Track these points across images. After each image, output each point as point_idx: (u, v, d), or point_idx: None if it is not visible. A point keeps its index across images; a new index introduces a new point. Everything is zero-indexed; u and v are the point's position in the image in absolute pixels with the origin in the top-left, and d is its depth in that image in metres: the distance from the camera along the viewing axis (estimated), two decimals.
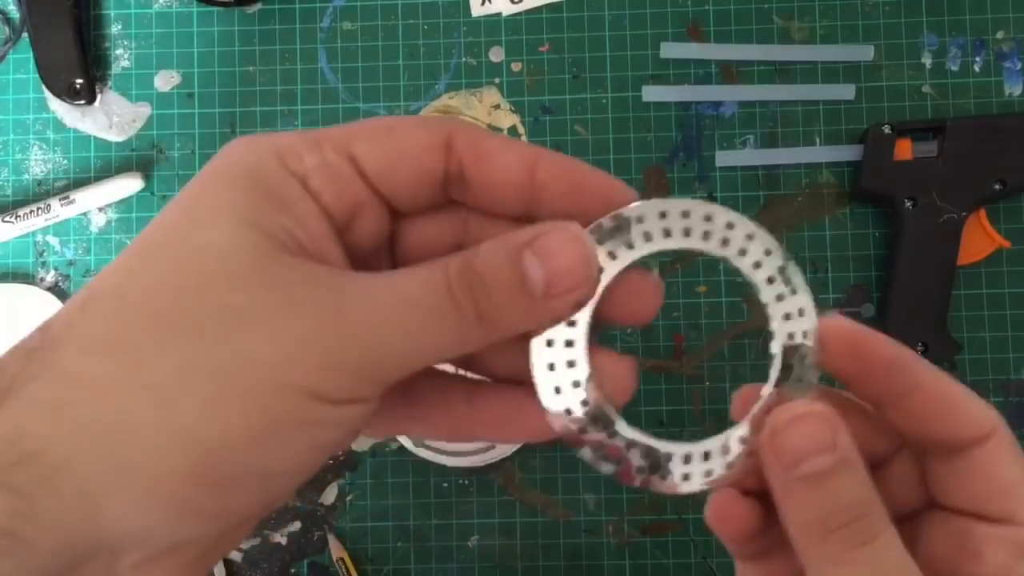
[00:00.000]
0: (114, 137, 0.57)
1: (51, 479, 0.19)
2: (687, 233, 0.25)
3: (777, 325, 0.25)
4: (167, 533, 0.20)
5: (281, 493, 0.22)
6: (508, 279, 0.22)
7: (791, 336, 0.25)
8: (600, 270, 0.25)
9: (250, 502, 0.21)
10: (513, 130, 0.56)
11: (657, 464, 0.25)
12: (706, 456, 0.26)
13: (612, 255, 0.25)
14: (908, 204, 0.52)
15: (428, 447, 0.51)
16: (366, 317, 0.21)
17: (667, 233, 0.25)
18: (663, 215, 0.25)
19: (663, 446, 0.25)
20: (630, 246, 0.25)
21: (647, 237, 0.25)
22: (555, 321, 0.24)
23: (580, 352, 0.25)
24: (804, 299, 0.25)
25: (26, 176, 0.57)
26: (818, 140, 0.55)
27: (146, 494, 0.19)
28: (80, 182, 0.56)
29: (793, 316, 0.25)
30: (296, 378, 0.20)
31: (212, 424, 0.19)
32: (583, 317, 0.25)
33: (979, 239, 0.52)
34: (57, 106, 0.57)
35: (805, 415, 0.23)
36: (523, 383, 0.24)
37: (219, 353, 0.20)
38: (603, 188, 0.24)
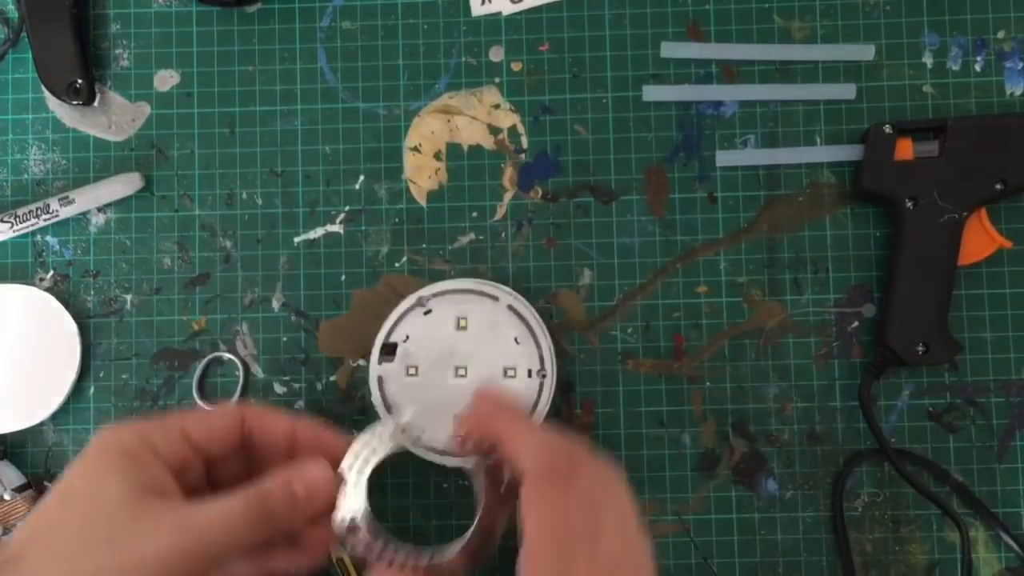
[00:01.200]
0: (113, 137, 0.57)
1: None
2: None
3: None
4: None
5: None
6: (283, 493, 0.40)
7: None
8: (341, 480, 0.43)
9: None
10: (513, 130, 0.56)
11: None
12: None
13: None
14: (909, 204, 0.52)
15: (424, 446, 0.51)
16: (198, 524, 0.37)
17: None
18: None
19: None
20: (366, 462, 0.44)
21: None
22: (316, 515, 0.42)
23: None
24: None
25: (25, 176, 0.57)
26: (819, 140, 0.55)
27: None
28: (79, 182, 0.56)
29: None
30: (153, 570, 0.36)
31: None
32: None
33: (980, 239, 0.52)
34: (56, 106, 0.57)
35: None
36: None
37: (108, 559, 0.35)
38: (322, 440, 0.44)
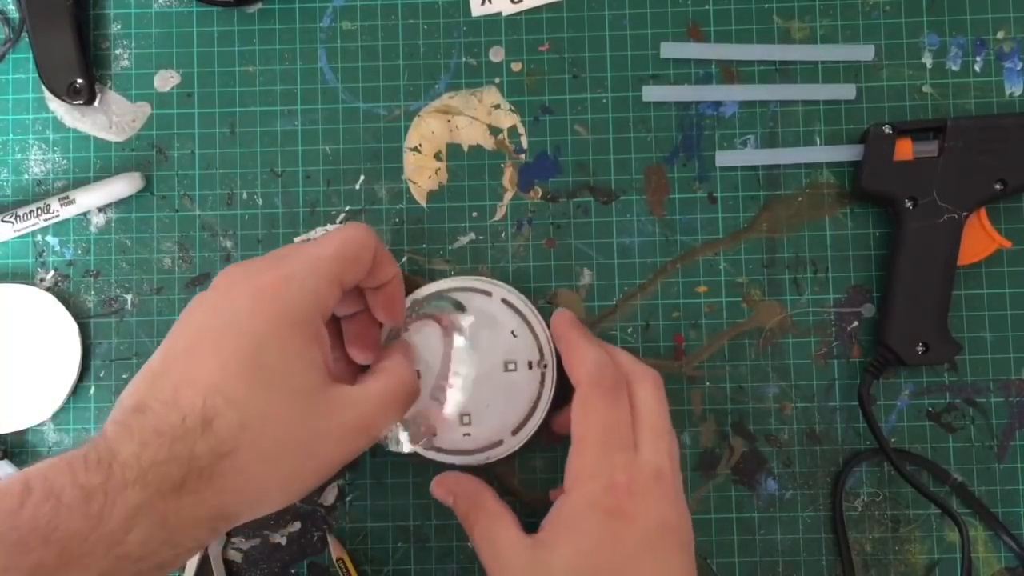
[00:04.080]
0: (114, 137, 0.57)
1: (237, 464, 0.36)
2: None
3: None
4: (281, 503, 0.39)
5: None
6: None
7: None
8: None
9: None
10: (513, 130, 0.56)
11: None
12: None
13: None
14: (908, 204, 0.52)
15: (435, 448, 0.51)
16: (370, 418, 0.41)
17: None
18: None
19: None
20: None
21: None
22: None
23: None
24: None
25: (26, 176, 0.57)
26: (818, 140, 0.55)
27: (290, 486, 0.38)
28: (80, 182, 0.56)
29: None
30: (337, 466, 0.40)
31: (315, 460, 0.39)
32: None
33: (980, 239, 0.52)
34: (57, 106, 0.57)
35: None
36: None
37: (307, 464, 0.38)
38: (395, 308, 0.48)
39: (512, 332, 0.52)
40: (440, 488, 0.50)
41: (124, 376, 0.56)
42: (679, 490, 0.44)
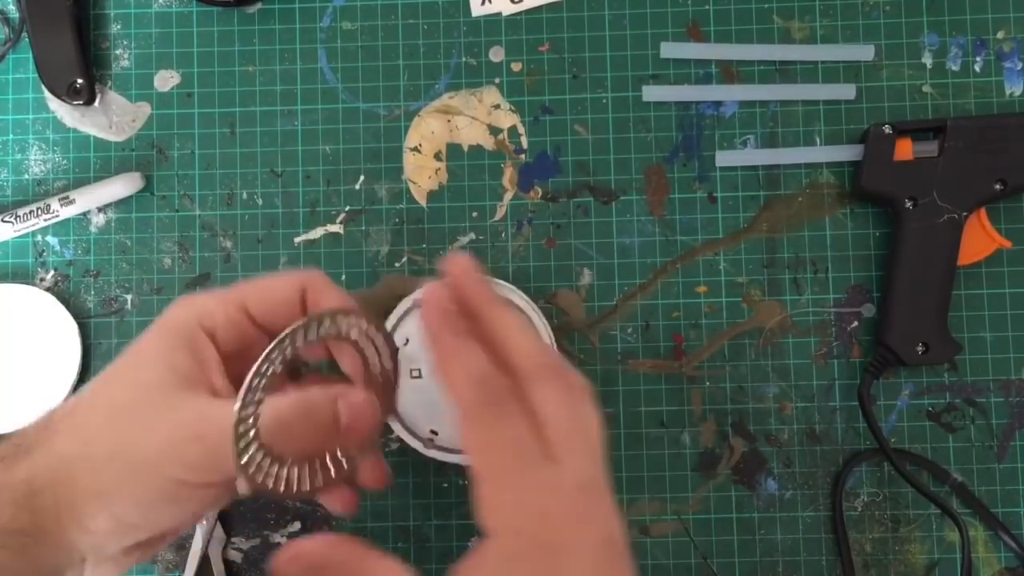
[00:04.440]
0: (114, 137, 0.57)
1: (64, 495, 0.35)
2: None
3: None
4: (136, 521, 0.36)
5: (184, 525, 0.39)
6: (328, 409, 0.37)
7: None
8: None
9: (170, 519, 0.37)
10: (513, 130, 0.56)
11: None
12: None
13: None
14: (908, 204, 0.52)
15: (437, 447, 0.51)
16: (214, 433, 0.35)
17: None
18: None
19: None
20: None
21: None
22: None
23: None
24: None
25: (26, 176, 0.57)
26: (818, 140, 0.55)
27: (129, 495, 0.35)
28: (80, 182, 0.56)
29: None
30: (166, 471, 0.35)
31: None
32: None
33: (979, 239, 0.52)
34: (57, 106, 0.57)
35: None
36: None
37: (137, 444, 0.35)
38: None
39: None
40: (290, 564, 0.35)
41: None
42: (609, 492, 0.36)
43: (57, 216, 0.55)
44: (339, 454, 0.37)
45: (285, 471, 0.36)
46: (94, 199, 0.55)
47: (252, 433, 0.35)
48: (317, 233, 0.56)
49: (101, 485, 0.35)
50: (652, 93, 0.55)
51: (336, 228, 0.56)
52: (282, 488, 0.36)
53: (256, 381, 0.37)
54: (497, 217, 0.55)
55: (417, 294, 0.52)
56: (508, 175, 0.55)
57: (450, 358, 0.37)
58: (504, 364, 0.36)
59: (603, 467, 0.36)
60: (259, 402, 0.36)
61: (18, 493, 0.34)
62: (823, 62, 0.55)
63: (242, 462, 0.35)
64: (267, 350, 0.38)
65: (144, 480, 0.35)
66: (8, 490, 0.34)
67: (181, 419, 0.35)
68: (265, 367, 0.37)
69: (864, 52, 0.55)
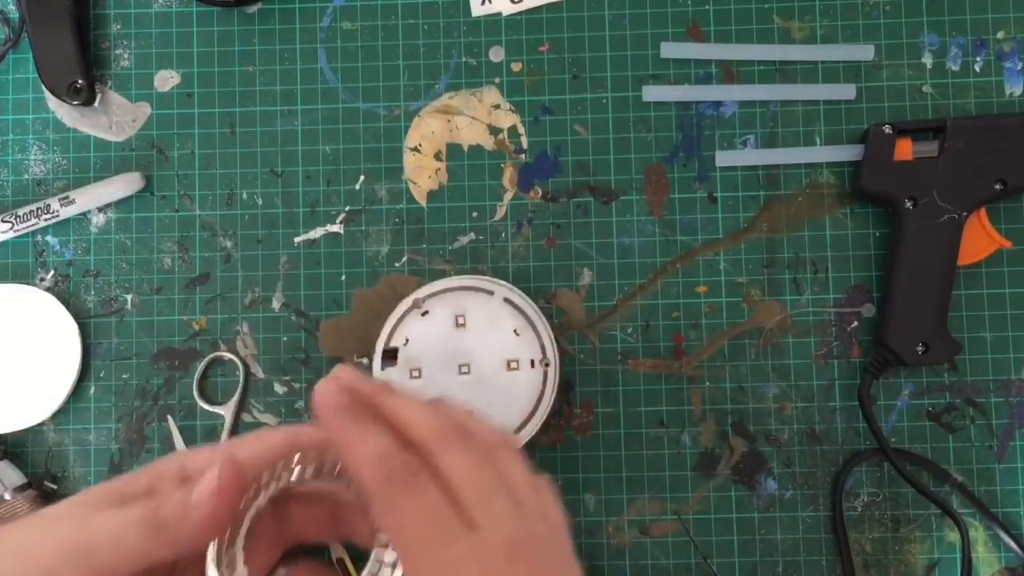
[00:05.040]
0: (114, 137, 0.57)
1: None
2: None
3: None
4: None
5: None
6: (178, 501, 0.33)
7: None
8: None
9: None
10: (513, 130, 0.56)
11: None
12: None
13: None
14: (908, 204, 0.52)
15: None
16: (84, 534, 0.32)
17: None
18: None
19: None
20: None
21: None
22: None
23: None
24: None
25: (26, 176, 0.57)
26: (818, 140, 0.55)
27: None
28: (80, 182, 0.56)
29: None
30: None
31: None
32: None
33: (979, 239, 0.52)
34: (57, 106, 0.57)
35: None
36: None
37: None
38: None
39: (515, 331, 0.52)
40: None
41: (124, 376, 0.56)
42: (550, 541, 0.34)
43: (57, 216, 0.55)
44: None
45: None
46: (94, 199, 0.55)
47: None
48: (317, 233, 0.56)
49: None
50: (652, 93, 0.55)
51: (336, 228, 0.56)
52: None
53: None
54: (497, 217, 0.55)
55: (418, 293, 0.52)
56: (508, 175, 0.55)
57: (352, 443, 0.34)
58: (409, 444, 0.34)
59: (539, 520, 0.34)
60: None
61: None
62: (823, 62, 0.55)
63: None
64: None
65: None
66: None
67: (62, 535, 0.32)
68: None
69: (864, 52, 0.55)
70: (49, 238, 0.56)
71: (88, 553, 0.31)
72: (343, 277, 0.55)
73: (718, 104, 0.55)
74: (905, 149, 0.52)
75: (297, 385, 0.55)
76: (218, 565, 0.33)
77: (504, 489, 0.33)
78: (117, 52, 0.57)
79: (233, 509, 0.33)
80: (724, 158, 0.55)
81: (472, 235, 0.55)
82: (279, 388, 0.55)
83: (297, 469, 0.36)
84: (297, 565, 0.39)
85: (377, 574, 0.36)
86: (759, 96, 0.55)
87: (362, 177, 0.56)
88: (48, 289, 0.56)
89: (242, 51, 0.57)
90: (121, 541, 0.32)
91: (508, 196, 0.55)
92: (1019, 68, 0.55)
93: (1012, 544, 0.52)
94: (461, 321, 0.52)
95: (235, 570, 0.34)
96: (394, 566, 0.35)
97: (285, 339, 0.55)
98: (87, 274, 0.56)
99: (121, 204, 0.56)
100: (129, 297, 0.56)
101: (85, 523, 0.32)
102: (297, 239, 0.56)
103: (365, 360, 0.54)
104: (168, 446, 0.55)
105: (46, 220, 0.55)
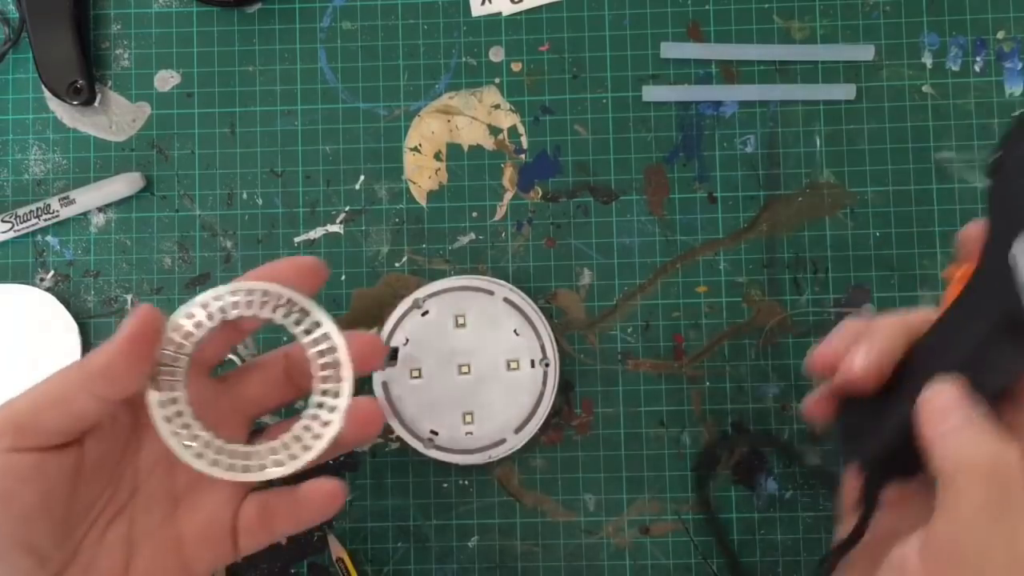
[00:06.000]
0: (114, 137, 0.57)
1: None
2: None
3: (312, 357, 0.38)
4: None
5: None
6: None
7: (322, 355, 0.37)
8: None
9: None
10: (513, 130, 0.56)
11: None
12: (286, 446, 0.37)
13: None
14: None
15: (437, 447, 0.52)
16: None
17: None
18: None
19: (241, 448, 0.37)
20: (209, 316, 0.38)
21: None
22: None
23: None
24: (329, 327, 0.38)
25: (26, 176, 0.57)
26: (818, 140, 0.55)
27: None
28: (80, 182, 0.56)
29: (322, 344, 0.37)
30: None
31: None
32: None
33: None
34: (56, 106, 0.57)
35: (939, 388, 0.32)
36: None
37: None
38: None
39: (515, 331, 0.52)
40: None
41: None
42: None
43: (57, 216, 0.55)
44: (313, 424, 0.37)
45: (238, 451, 0.37)
46: (94, 199, 0.55)
47: (180, 411, 0.36)
48: (317, 233, 0.56)
49: None
50: (652, 93, 0.55)
51: (336, 228, 0.56)
52: (241, 473, 0.36)
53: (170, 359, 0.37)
54: (497, 217, 0.55)
55: (418, 293, 0.52)
56: (508, 175, 0.55)
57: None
58: None
59: None
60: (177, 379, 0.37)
61: None
62: (823, 62, 0.55)
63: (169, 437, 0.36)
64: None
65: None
66: None
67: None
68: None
69: (864, 52, 0.55)
70: (49, 238, 0.56)
71: (11, 407, 0.33)
72: (343, 277, 0.55)
73: (718, 104, 0.55)
74: None
75: None
76: (162, 407, 0.36)
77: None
78: (117, 52, 0.57)
79: (150, 337, 0.36)
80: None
81: (472, 235, 0.55)
82: None
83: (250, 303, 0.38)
84: (267, 429, 0.40)
85: (318, 413, 0.37)
86: (759, 96, 0.55)
87: (362, 177, 0.56)
88: (48, 289, 0.56)
89: (242, 51, 0.57)
90: (43, 389, 0.34)
91: (508, 196, 0.55)
92: (1019, 68, 0.55)
93: None
94: (461, 321, 0.52)
95: (182, 416, 0.36)
96: (333, 409, 0.37)
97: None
98: (87, 274, 0.56)
99: (121, 204, 0.56)
100: (129, 297, 0.56)
101: (33, 387, 0.34)
102: (297, 239, 0.56)
103: None
104: None
105: (46, 220, 0.55)
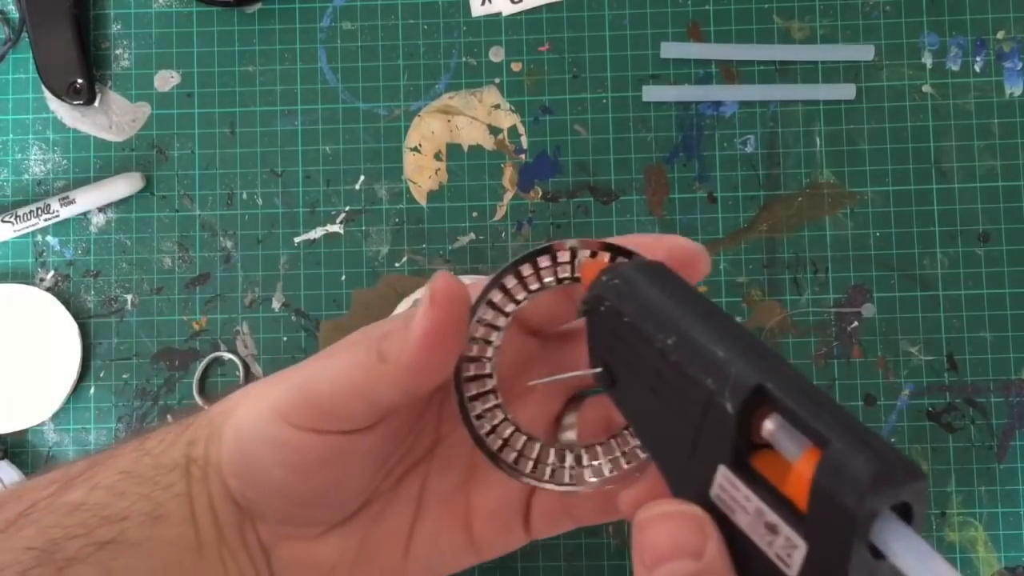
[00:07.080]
0: (114, 137, 0.57)
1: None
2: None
3: None
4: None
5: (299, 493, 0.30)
6: (401, 332, 0.28)
7: None
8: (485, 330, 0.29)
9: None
10: (513, 130, 0.56)
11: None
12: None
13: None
14: None
15: None
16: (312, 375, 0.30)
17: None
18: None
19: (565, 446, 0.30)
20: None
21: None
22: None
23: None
24: None
25: (26, 176, 0.57)
26: (818, 140, 0.55)
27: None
28: (80, 182, 0.56)
29: None
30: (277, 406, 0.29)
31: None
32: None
33: None
34: (57, 106, 0.57)
35: (675, 515, 0.23)
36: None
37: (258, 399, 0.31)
38: None
39: None
40: None
41: (124, 376, 0.56)
42: None
43: (57, 216, 0.55)
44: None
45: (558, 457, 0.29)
46: (94, 199, 0.55)
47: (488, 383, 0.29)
48: (317, 233, 0.56)
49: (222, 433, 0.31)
50: (652, 93, 0.55)
51: (336, 228, 0.56)
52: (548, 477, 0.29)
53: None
54: (497, 217, 0.55)
55: (418, 293, 0.52)
56: (508, 175, 0.55)
57: None
58: None
59: None
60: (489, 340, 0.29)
61: (178, 453, 0.31)
62: (823, 62, 0.55)
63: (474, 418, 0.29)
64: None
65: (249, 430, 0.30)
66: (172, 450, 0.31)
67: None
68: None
69: (864, 52, 0.55)
70: (49, 238, 0.56)
71: (312, 389, 0.29)
72: (343, 277, 0.55)
73: (718, 104, 0.55)
74: None
75: None
76: (466, 385, 0.29)
77: None
78: (117, 52, 0.57)
79: (458, 323, 0.27)
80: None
81: (472, 235, 0.55)
82: None
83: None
84: (584, 406, 0.33)
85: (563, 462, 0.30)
86: (759, 96, 0.55)
87: (362, 177, 0.56)
88: (48, 289, 0.56)
89: (242, 51, 0.57)
90: (345, 376, 0.29)
91: (508, 196, 0.55)
92: (1019, 68, 0.55)
93: None
94: None
95: (496, 400, 0.29)
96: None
97: (285, 339, 0.55)
98: (87, 274, 0.56)
99: (121, 204, 0.56)
100: (129, 297, 0.56)
101: (314, 364, 0.30)
102: (297, 239, 0.56)
103: None
104: None
105: (46, 220, 0.55)
